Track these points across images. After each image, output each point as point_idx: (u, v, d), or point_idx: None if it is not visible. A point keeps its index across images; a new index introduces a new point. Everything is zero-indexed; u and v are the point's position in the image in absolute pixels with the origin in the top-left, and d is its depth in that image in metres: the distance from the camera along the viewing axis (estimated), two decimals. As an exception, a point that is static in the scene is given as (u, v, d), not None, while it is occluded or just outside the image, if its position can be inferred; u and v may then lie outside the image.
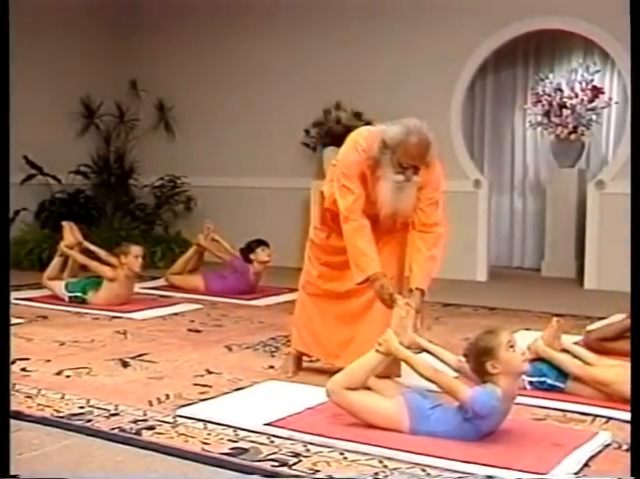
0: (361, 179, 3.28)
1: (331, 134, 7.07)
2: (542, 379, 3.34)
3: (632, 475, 2.03)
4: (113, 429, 2.82)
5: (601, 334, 4.08)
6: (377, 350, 2.84)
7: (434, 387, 2.79)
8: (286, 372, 3.72)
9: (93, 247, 5.68)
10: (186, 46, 8.15)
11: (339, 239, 3.40)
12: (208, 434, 2.79)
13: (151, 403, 3.17)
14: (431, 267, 3.28)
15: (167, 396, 3.28)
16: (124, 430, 2.81)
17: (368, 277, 3.24)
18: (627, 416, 3.00)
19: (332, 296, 3.57)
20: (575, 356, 3.39)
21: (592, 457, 2.61)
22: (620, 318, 4.20)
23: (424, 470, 2.50)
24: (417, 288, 3.25)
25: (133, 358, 3.97)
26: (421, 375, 2.77)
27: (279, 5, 7.63)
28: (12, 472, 2.17)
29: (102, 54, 8.34)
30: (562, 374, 3.32)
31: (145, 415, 3.00)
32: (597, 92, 7.06)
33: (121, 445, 2.66)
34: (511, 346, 2.65)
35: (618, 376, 3.17)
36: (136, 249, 5.39)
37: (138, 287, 5.97)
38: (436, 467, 2.51)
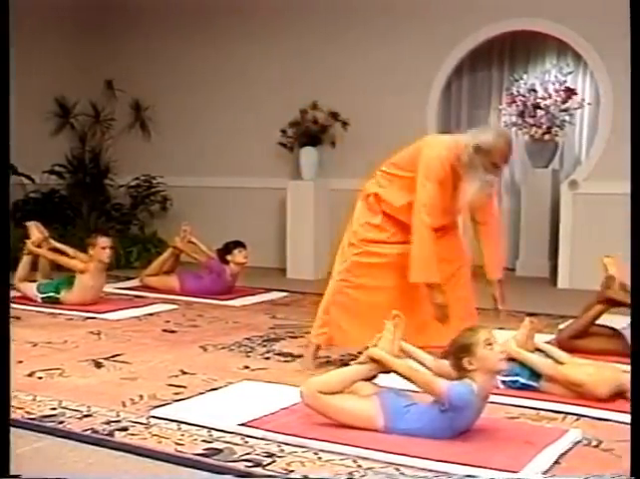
0: (440, 183, 3.61)
1: (308, 134, 7.07)
2: (515, 379, 3.37)
3: (632, 475, 2.05)
4: (85, 431, 2.80)
5: (572, 331, 4.12)
6: (359, 362, 2.88)
7: (409, 387, 2.81)
8: (308, 368, 3.78)
9: (59, 246, 5.66)
10: (163, 46, 8.11)
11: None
12: (182, 435, 2.79)
13: (124, 404, 3.16)
14: (501, 257, 3.78)
15: (141, 397, 3.27)
16: (96, 431, 2.80)
17: (430, 284, 3.58)
18: (598, 413, 3.06)
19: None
20: (548, 356, 3.42)
21: (563, 454, 2.64)
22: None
23: (398, 469, 2.51)
24: (497, 281, 3.74)
25: (106, 359, 3.95)
26: (397, 373, 2.79)
27: (256, 6, 7.61)
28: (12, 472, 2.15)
29: (77, 53, 8.28)
30: (535, 373, 3.35)
31: (118, 416, 2.99)
32: (570, 93, 7.12)
33: (93, 446, 2.65)
34: (489, 344, 2.67)
35: (590, 376, 3.21)
36: (103, 240, 5.37)
37: (112, 288, 5.95)
38: (410, 466, 2.52)
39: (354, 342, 3.73)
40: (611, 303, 4.14)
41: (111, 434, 2.78)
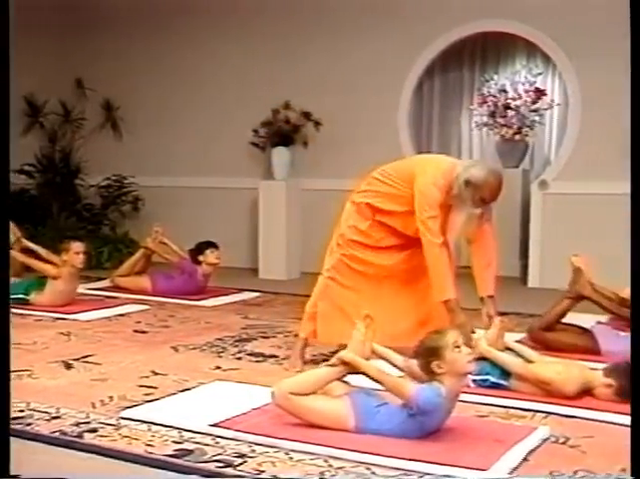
0: (440, 207, 3.68)
1: (280, 134, 7.07)
2: (486, 377, 3.40)
3: (632, 475, 2.07)
4: (53, 433, 2.78)
5: (542, 323, 4.18)
6: (330, 364, 2.88)
7: (380, 387, 2.82)
8: (295, 366, 3.80)
9: (33, 246, 5.60)
10: (134, 45, 8.05)
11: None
12: (152, 436, 2.77)
13: (94, 405, 3.14)
14: (492, 274, 3.72)
15: (111, 398, 3.25)
16: (65, 433, 2.77)
17: (447, 301, 3.63)
18: (565, 411, 3.10)
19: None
20: (518, 355, 3.45)
21: (531, 451, 2.67)
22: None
23: (369, 469, 2.52)
24: (488, 296, 3.68)
25: (76, 360, 3.92)
26: (366, 375, 2.80)
27: (228, 5, 7.59)
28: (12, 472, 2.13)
29: (46, 51, 8.19)
30: (505, 372, 3.38)
31: (87, 418, 2.97)
32: (540, 94, 7.19)
33: (62, 449, 2.62)
34: (457, 347, 2.69)
35: (559, 374, 3.25)
36: (76, 245, 5.32)
37: (83, 288, 5.90)
38: (380, 465, 2.53)
39: (338, 338, 3.76)
40: (579, 298, 4.20)
41: (80, 436, 2.76)
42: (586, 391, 3.25)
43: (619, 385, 3.18)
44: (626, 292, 4.48)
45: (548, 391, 3.24)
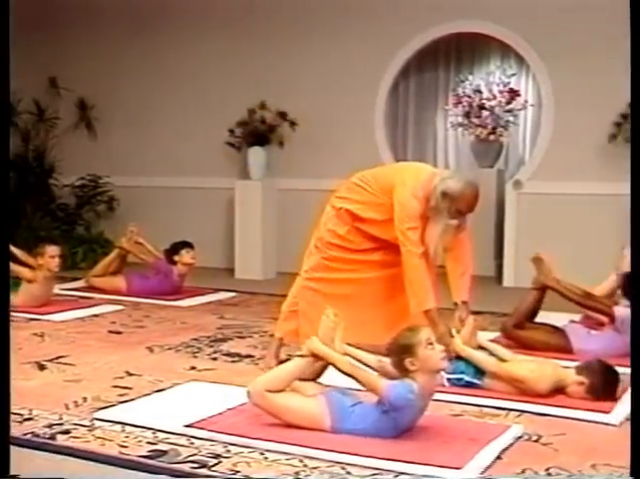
0: (420, 217, 3.69)
1: (255, 133, 7.06)
2: (460, 376, 3.42)
3: (632, 475, 2.09)
4: (25, 434, 2.76)
5: (514, 320, 4.21)
6: (300, 355, 2.87)
7: (355, 386, 2.82)
8: (270, 366, 3.75)
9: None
10: (108, 44, 7.99)
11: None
12: (126, 437, 2.76)
13: (67, 407, 3.11)
14: (467, 281, 3.73)
15: (85, 399, 3.23)
16: (37, 435, 2.75)
17: (428, 311, 3.60)
18: (538, 409, 3.13)
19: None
20: (492, 354, 3.48)
21: (505, 450, 2.69)
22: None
23: (344, 468, 2.53)
24: (462, 302, 3.67)
25: (50, 361, 3.89)
26: (340, 371, 2.81)
27: (205, 7, 7.56)
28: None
29: (19, 50, 8.09)
30: (479, 371, 3.41)
31: (60, 419, 2.95)
32: (514, 94, 7.25)
33: (34, 451, 2.60)
34: (430, 344, 2.70)
35: (532, 372, 3.29)
36: (52, 249, 5.28)
37: (57, 289, 5.85)
38: (355, 465, 2.54)
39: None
40: (544, 289, 4.25)
41: (52, 438, 2.74)
42: (559, 389, 3.28)
43: (591, 383, 3.21)
44: (598, 290, 4.54)
45: (521, 389, 3.27)
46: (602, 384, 3.22)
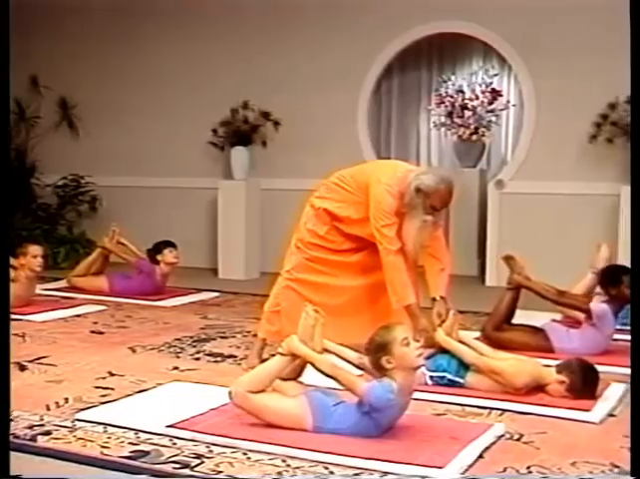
0: (395, 215, 3.71)
1: (238, 133, 7.05)
2: (443, 374, 3.43)
3: (632, 475, 2.10)
4: (6, 436, 2.73)
5: (494, 323, 4.23)
6: (280, 353, 2.87)
7: (336, 386, 2.83)
8: (253, 366, 3.75)
9: None
10: (90, 43, 7.94)
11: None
12: (108, 438, 2.75)
13: (48, 408, 3.10)
14: (445, 277, 3.78)
15: (67, 400, 3.21)
16: (17, 436, 2.73)
17: (409, 306, 3.66)
18: (520, 408, 3.15)
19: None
20: (472, 349, 3.49)
21: (487, 448, 2.70)
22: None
23: (326, 468, 2.53)
24: (440, 297, 3.70)
25: (31, 362, 3.86)
26: (320, 371, 2.81)
27: (187, 7, 7.53)
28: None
29: None
30: (461, 370, 3.42)
31: (41, 420, 2.93)
32: (496, 94, 7.27)
33: (14, 452, 2.58)
34: (406, 341, 2.70)
35: (511, 367, 3.32)
36: (34, 249, 5.24)
37: (39, 289, 5.81)
38: (338, 464, 2.54)
39: None
40: (519, 287, 4.28)
41: (33, 439, 2.72)
42: (539, 387, 3.31)
43: (571, 382, 3.24)
44: (576, 288, 4.58)
45: (500, 383, 3.30)
46: (582, 383, 3.24)
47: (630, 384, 2.14)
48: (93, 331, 4.67)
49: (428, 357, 3.24)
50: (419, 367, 2.83)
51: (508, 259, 4.37)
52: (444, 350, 3.47)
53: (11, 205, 7.86)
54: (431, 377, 3.43)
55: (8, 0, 2.01)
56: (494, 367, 3.33)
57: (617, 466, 2.57)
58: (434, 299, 3.73)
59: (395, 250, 3.65)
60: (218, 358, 4.06)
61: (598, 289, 4.37)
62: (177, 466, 2.51)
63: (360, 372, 2.95)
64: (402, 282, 3.66)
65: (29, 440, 2.71)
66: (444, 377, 3.43)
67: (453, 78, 7.68)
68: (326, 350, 3.01)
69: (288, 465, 2.55)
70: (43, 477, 2.35)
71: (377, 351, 2.72)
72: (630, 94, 2.12)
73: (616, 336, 4.11)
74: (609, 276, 4.19)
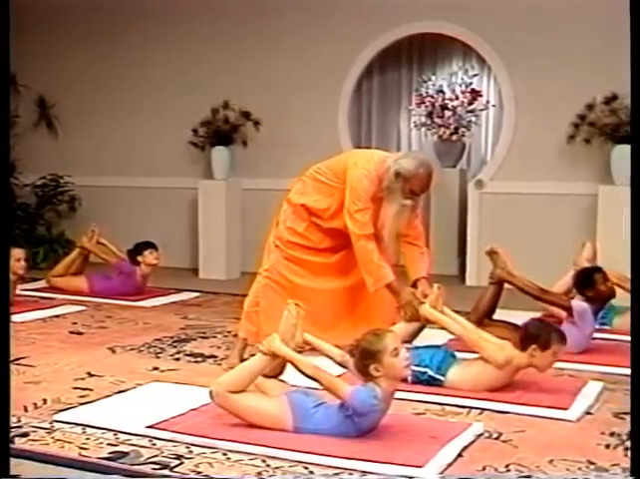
0: (371, 199, 3.70)
1: (219, 133, 7.03)
2: (424, 370, 3.41)
3: (632, 475, 2.11)
4: (-17, 438, 2.71)
5: (475, 316, 4.25)
6: (261, 351, 2.86)
7: (318, 386, 2.82)
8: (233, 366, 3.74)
9: None
10: (69, 42, 7.89)
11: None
12: (87, 439, 2.74)
13: (26, 409, 3.07)
14: (426, 260, 3.82)
15: (45, 401, 3.19)
16: (-5, 439, 2.71)
17: (389, 284, 3.66)
18: (499, 407, 3.17)
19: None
20: (457, 323, 3.51)
21: (466, 447, 2.71)
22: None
23: (306, 468, 2.54)
24: (422, 277, 3.72)
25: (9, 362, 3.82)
26: (302, 373, 2.80)
27: (166, 7, 7.50)
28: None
29: (-22, 47, 7.99)
30: (443, 366, 3.42)
31: (19, 422, 2.91)
32: (476, 95, 7.31)
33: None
34: (396, 351, 2.70)
35: (494, 344, 3.35)
36: (17, 252, 5.20)
37: (18, 289, 5.76)
38: (318, 464, 2.54)
39: None
40: (501, 282, 4.31)
41: (10, 441, 2.69)
42: (514, 372, 3.31)
43: (539, 344, 3.23)
44: (557, 286, 4.61)
45: (480, 358, 3.31)
46: (546, 334, 3.25)
47: (630, 384, 2.16)
48: (72, 332, 4.64)
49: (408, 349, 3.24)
50: (405, 378, 2.81)
51: (492, 254, 4.38)
52: (428, 346, 3.48)
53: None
54: (412, 371, 3.42)
55: (8, 0, 1.99)
56: (479, 341, 3.34)
57: (593, 463, 2.60)
58: (416, 281, 3.71)
59: (367, 235, 3.64)
60: (199, 358, 4.04)
61: None
62: (157, 467, 2.50)
63: (342, 371, 2.95)
64: (376, 264, 3.65)
65: (7, 442, 2.68)
66: (425, 373, 3.42)
67: (433, 78, 7.71)
68: (306, 342, 2.98)
69: (268, 465, 2.54)
70: (47, 478, 2.33)
71: (365, 358, 2.70)
72: (630, 93, 2.13)
73: (594, 335, 4.15)
74: (582, 281, 4.21)
